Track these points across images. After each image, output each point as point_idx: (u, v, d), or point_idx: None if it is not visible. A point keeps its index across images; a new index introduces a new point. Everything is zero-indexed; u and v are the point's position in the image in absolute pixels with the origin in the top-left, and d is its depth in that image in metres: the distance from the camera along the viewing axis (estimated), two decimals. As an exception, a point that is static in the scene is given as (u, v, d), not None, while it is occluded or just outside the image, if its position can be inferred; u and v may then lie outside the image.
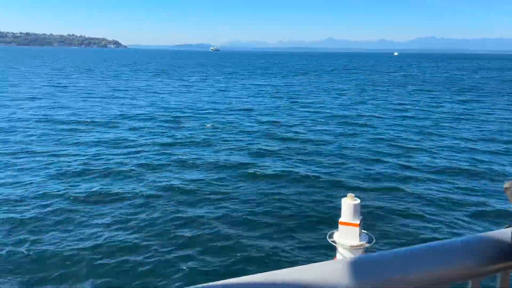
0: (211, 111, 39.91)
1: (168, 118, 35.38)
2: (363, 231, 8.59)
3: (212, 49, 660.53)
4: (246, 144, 26.54)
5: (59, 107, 40.84)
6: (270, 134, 29.68)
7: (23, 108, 40.03)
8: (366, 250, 8.36)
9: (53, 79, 75.67)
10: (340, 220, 8.50)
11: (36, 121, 33.18)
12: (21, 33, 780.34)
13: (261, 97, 52.58)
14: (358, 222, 8.38)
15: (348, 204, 8.42)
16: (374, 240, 8.48)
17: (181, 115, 37.14)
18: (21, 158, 22.60)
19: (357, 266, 1.16)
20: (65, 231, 13.91)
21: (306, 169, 21.38)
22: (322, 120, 35.91)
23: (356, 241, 8.38)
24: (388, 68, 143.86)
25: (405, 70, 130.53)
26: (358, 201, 8.52)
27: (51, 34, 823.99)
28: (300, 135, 29.56)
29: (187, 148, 25.20)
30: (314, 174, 20.49)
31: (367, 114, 39.28)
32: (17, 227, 14.18)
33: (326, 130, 31.52)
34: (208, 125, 32.35)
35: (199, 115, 37.13)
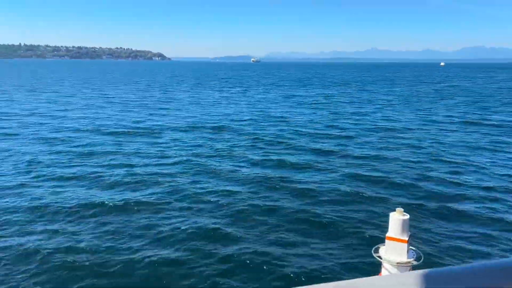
0: (250, 122, 39.97)
1: (209, 129, 35.74)
2: (411, 247, 8.28)
3: (253, 61, 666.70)
4: (285, 156, 26.21)
5: (105, 118, 42.37)
6: (309, 146, 29.18)
7: (72, 118, 41.86)
8: (414, 268, 7.94)
9: (102, 91, 79.07)
10: (387, 235, 8.22)
11: (83, 131, 34.52)
12: (73, 47, 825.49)
13: (301, 108, 52.16)
14: (406, 238, 8.05)
15: (397, 219, 8.10)
16: (422, 258, 8.09)
17: (221, 125, 37.42)
18: (65, 167, 23.43)
19: (420, 280, 1.09)
20: (101, 241, 14.11)
21: (348, 183, 20.73)
22: (365, 132, 34.95)
23: (403, 258, 8.05)
24: (434, 78, 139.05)
25: (453, 80, 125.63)
26: (407, 216, 8.21)
27: (100, 48, 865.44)
28: (341, 147, 28.85)
29: (226, 160, 25.20)
30: (355, 189, 19.80)
31: (412, 126, 37.85)
32: (55, 235, 14.55)
33: (368, 142, 30.59)
34: (247, 137, 32.33)
35: (238, 126, 37.25)
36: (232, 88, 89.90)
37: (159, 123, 39.04)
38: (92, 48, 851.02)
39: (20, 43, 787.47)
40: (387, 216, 15.79)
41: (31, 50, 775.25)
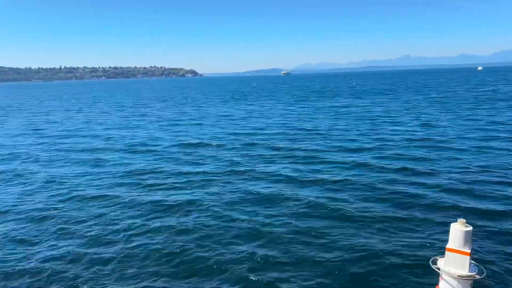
0: (283, 136, 39.44)
1: (242, 145, 35.46)
2: (471, 261, 7.97)
3: (283, 73, 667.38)
4: (322, 171, 25.50)
5: (140, 136, 43.07)
6: (346, 159, 28.30)
7: (111, 136, 42.82)
8: (475, 282, 7.77)
9: (137, 109, 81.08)
10: (448, 246, 7.95)
11: (118, 151, 35.13)
12: (109, 67, 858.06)
13: (333, 119, 51.15)
14: (468, 250, 7.74)
15: (459, 230, 7.82)
16: (485, 273, 7.79)
17: (254, 141, 37.11)
18: (98, 188, 23.71)
19: None
20: (130, 266, 13.93)
21: (389, 196, 19.81)
22: (402, 142, 33.61)
23: (465, 271, 7.76)
24: (473, 83, 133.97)
25: (492, 85, 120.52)
26: (470, 228, 7.90)
27: (135, 67, 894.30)
28: (378, 160, 27.81)
29: (262, 176, 24.76)
30: (399, 203, 18.90)
31: (451, 136, 36.09)
32: (83, 260, 14.53)
33: (406, 153, 29.34)
34: (280, 152, 31.80)
35: (271, 141, 36.86)
36: (263, 101, 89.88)
37: (193, 140, 39.21)
38: (128, 67, 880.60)
39: (60, 66, 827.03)
40: (437, 229, 14.89)
41: (71, 72, 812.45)
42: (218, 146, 35.28)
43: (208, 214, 18.38)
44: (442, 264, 8.08)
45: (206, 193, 21.55)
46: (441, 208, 18.22)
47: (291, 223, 17.00)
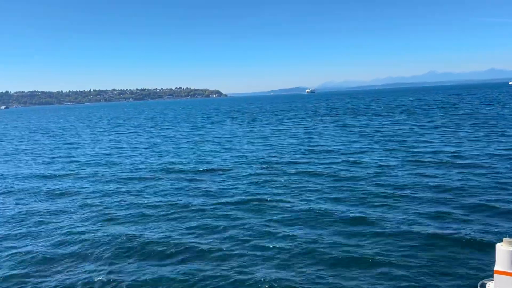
0: (308, 158, 38.99)
1: (263, 165, 35.18)
2: None
3: (307, 92, 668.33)
4: (341, 191, 24.87)
5: (167, 156, 43.48)
6: (377, 187, 27.53)
7: (142, 155, 43.38)
8: None
9: (161, 130, 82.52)
10: (496, 268, 7.47)
11: (151, 171, 35.43)
12: (137, 89, 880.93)
13: (362, 140, 50.23)
14: None
15: (506, 250, 7.33)
16: None
17: (277, 161, 36.81)
18: (131, 206, 23.80)
19: None
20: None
21: (426, 219, 19.02)
22: (431, 165, 32.51)
23: None
24: (504, 99, 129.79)
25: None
26: None
27: (161, 89, 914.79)
28: (411, 191, 26.91)
29: (286, 201, 24.36)
30: (438, 226, 18.12)
31: (482, 157, 34.62)
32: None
33: (440, 175, 28.34)
34: (303, 177, 30.99)
35: (287, 160, 36.48)
36: (286, 120, 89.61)
37: (218, 163, 39.17)
38: (154, 89, 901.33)
39: (90, 89, 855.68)
40: (481, 250, 13.99)
41: (100, 95, 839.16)
42: (243, 169, 35.09)
43: (236, 240, 18.01)
44: None
45: (236, 217, 21.26)
46: (483, 228, 17.30)
47: (330, 249, 16.41)
